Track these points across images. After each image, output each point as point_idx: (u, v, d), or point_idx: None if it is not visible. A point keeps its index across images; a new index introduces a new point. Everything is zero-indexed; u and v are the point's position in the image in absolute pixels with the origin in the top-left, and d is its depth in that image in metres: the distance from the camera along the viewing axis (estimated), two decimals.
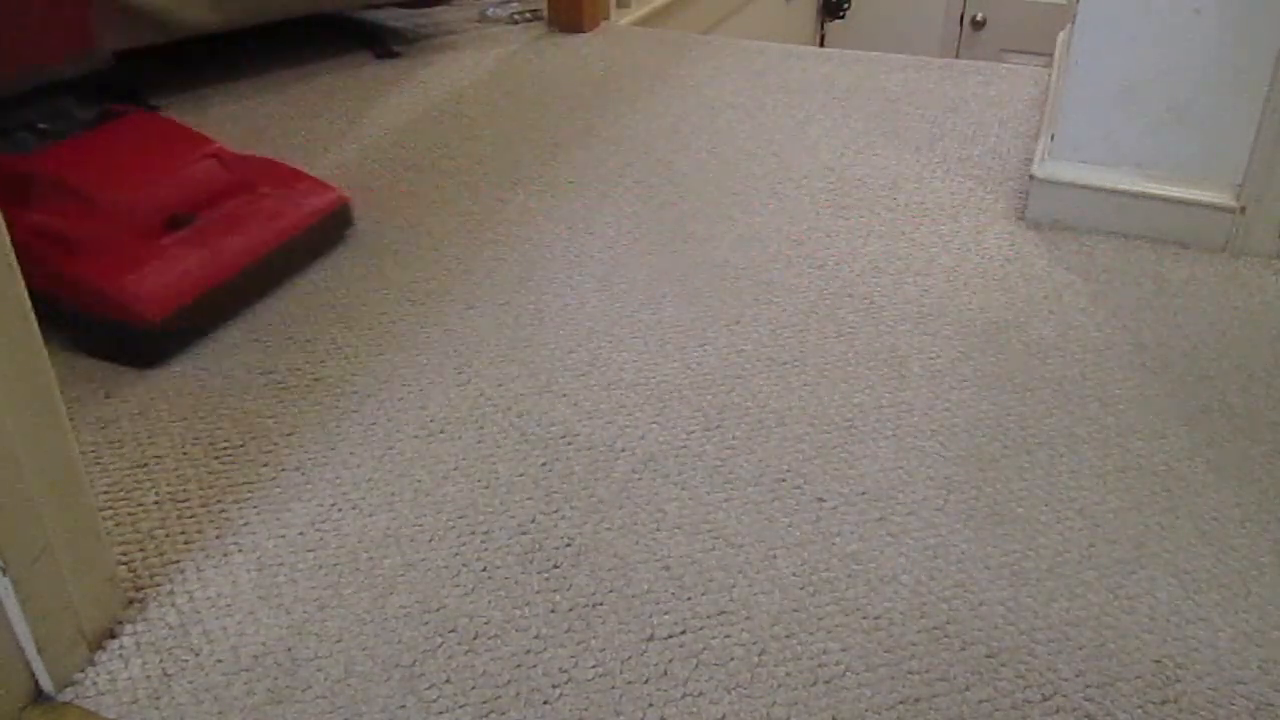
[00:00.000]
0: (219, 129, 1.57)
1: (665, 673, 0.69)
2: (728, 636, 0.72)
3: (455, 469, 0.88)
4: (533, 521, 0.82)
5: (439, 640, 0.72)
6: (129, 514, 0.83)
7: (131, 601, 0.75)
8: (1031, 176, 1.27)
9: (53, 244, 1.01)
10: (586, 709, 0.67)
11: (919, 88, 1.72)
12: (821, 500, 0.84)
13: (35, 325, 0.64)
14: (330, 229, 1.19)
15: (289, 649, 0.71)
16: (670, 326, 1.07)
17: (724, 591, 0.75)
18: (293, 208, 1.15)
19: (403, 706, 0.67)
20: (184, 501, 0.84)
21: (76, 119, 1.14)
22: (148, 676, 0.70)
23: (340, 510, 0.83)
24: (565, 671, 0.70)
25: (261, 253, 1.09)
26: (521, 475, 0.87)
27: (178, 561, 0.79)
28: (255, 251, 1.09)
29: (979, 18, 3.35)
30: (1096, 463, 0.88)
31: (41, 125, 1.11)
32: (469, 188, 1.38)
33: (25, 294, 0.63)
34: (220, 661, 0.70)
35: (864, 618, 0.73)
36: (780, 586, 0.76)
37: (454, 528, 0.81)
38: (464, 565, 0.78)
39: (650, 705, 0.67)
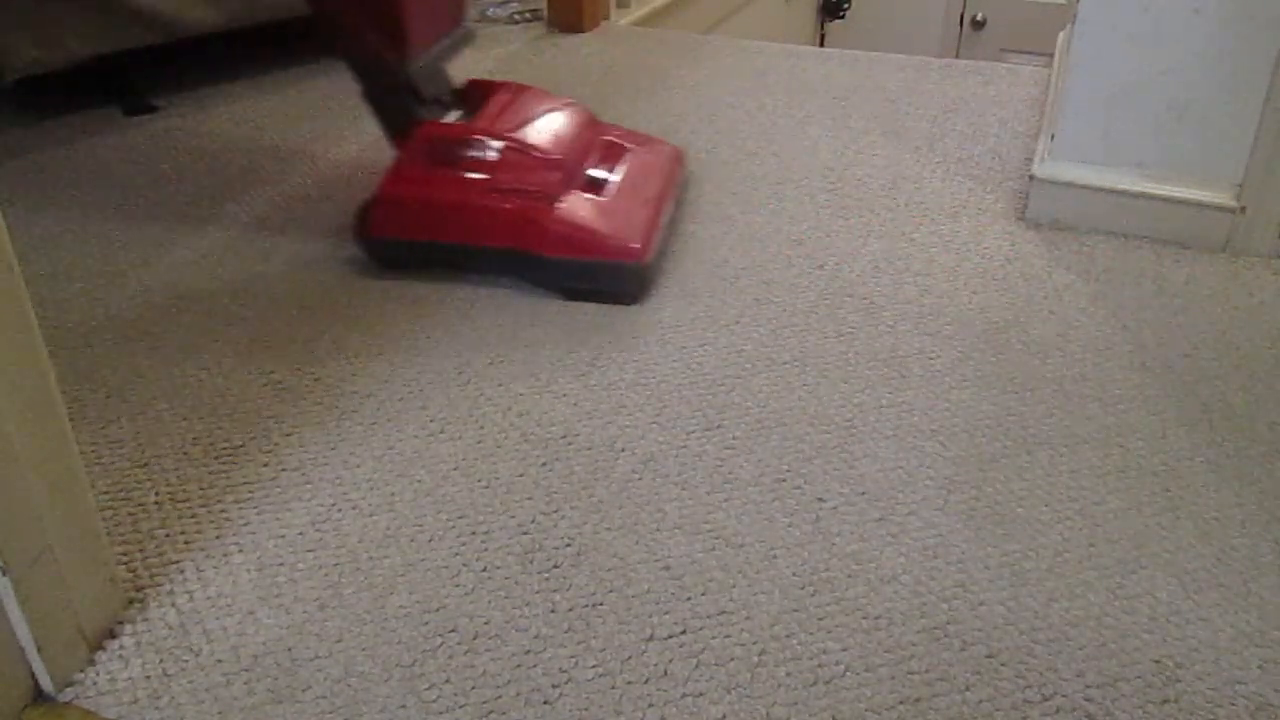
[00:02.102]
0: (219, 129, 1.57)
1: (665, 673, 0.69)
2: (728, 636, 0.72)
3: (455, 469, 0.88)
4: (533, 521, 0.82)
5: (439, 640, 0.72)
6: (129, 514, 0.83)
7: (131, 601, 0.75)
8: (1031, 176, 1.27)
9: (535, 202, 1.11)
10: (586, 709, 0.67)
11: (919, 88, 1.72)
12: (821, 500, 0.84)
13: (35, 325, 0.64)
14: (684, 179, 1.35)
15: (289, 649, 0.71)
16: (670, 326, 1.07)
17: (724, 591, 0.75)
18: (665, 162, 1.28)
19: (403, 706, 0.67)
20: (184, 501, 0.84)
21: (450, 89, 1.24)
22: (148, 676, 0.70)
23: (340, 510, 0.83)
24: (565, 671, 0.70)
25: (672, 198, 1.24)
26: (521, 475, 0.87)
27: (178, 561, 0.79)
28: (670, 197, 1.23)
29: (979, 18, 3.35)
30: (1096, 463, 0.88)
31: (442, 96, 1.20)
32: None
33: (25, 294, 0.63)
34: (220, 661, 0.70)
35: (864, 618, 0.73)
36: (780, 586, 0.76)
37: (454, 528, 0.81)
38: (464, 565, 0.78)
39: (650, 705, 0.67)
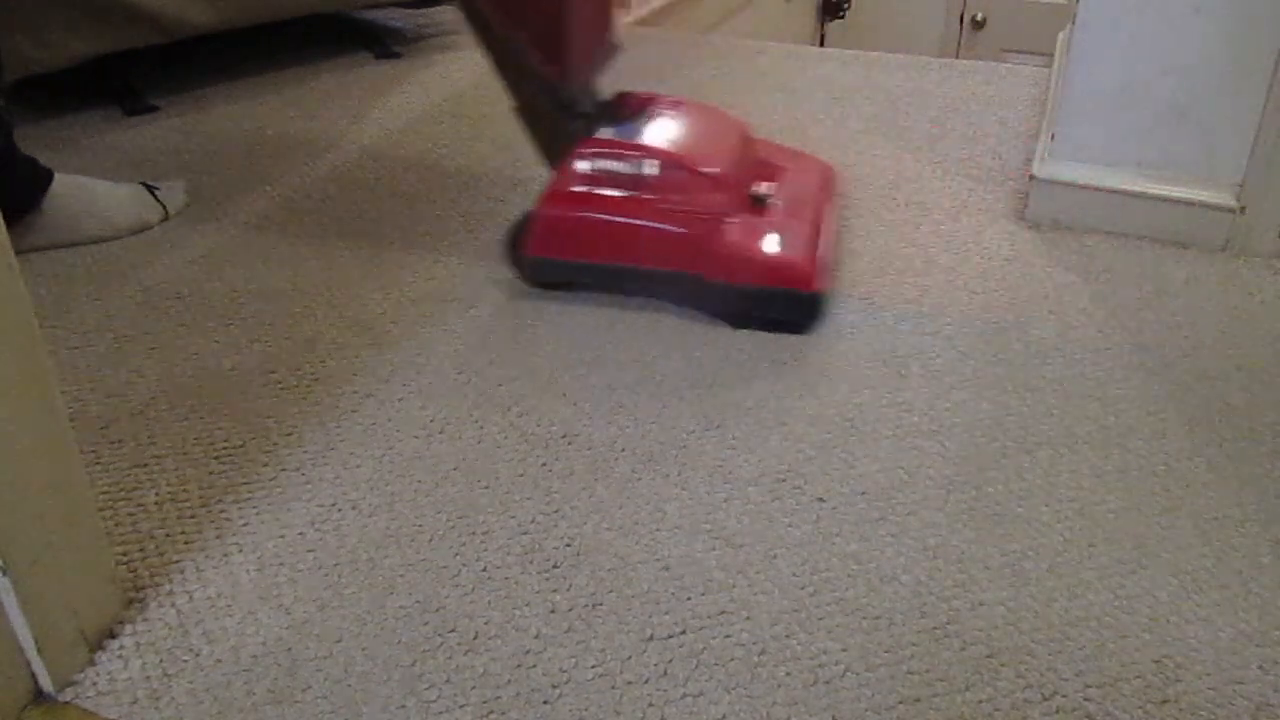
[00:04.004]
0: (219, 129, 1.57)
1: (665, 673, 0.69)
2: (728, 636, 0.72)
3: (455, 469, 0.88)
4: (533, 521, 0.82)
5: (439, 640, 0.72)
6: (129, 514, 0.83)
7: (131, 601, 0.75)
8: (1031, 176, 1.27)
9: (697, 223, 1.06)
10: (586, 709, 0.67)
11: (919, 88, 1.72)
12: (821, 500, 0.84)
13: (36, 325, 0.64)
14: (839, 198, 1.30)
15: (289, 649, 0.71)
16: (670, 326, 1.07)
17: (724, 591, 0.75)
18: (822, 180, 1.24)
19: (403, 706, 0.67)
20: (184, 501, 0.84)
21: (601, 105, 1.18)
22: (148, 676, 0.69)
23: (340, 510, 0.83)
24: (565, 671, 0.69)
25: (834, 221, 1.20)
26: (521, 475, 0.87)
27: (178, 561, 0.79)
28: (833, 220, 1.19)
29: (979, 18, 3.35)
30: (1096, 463, 0.88)
31: (590, 111, 1.14)
32: (469, 188, 1.38)
33: (25, 294, 0.63)
34: (220, 661, 0.70)
35: (864, 618, 0.73)
36: (780, 586, 0.76)
37: (454, 528, 0.81)
38: (464, 565, 0.78)
39: (650, 705, 0.67)
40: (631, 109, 1.17)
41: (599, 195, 1.08)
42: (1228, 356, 1.02)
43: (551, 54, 1.08)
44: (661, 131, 1.12)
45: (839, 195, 1.27)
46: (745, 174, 1.14)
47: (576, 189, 1.08)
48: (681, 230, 1.06)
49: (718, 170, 1.09)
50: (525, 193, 1.35)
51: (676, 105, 1.19)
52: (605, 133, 1.10)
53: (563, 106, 1.10)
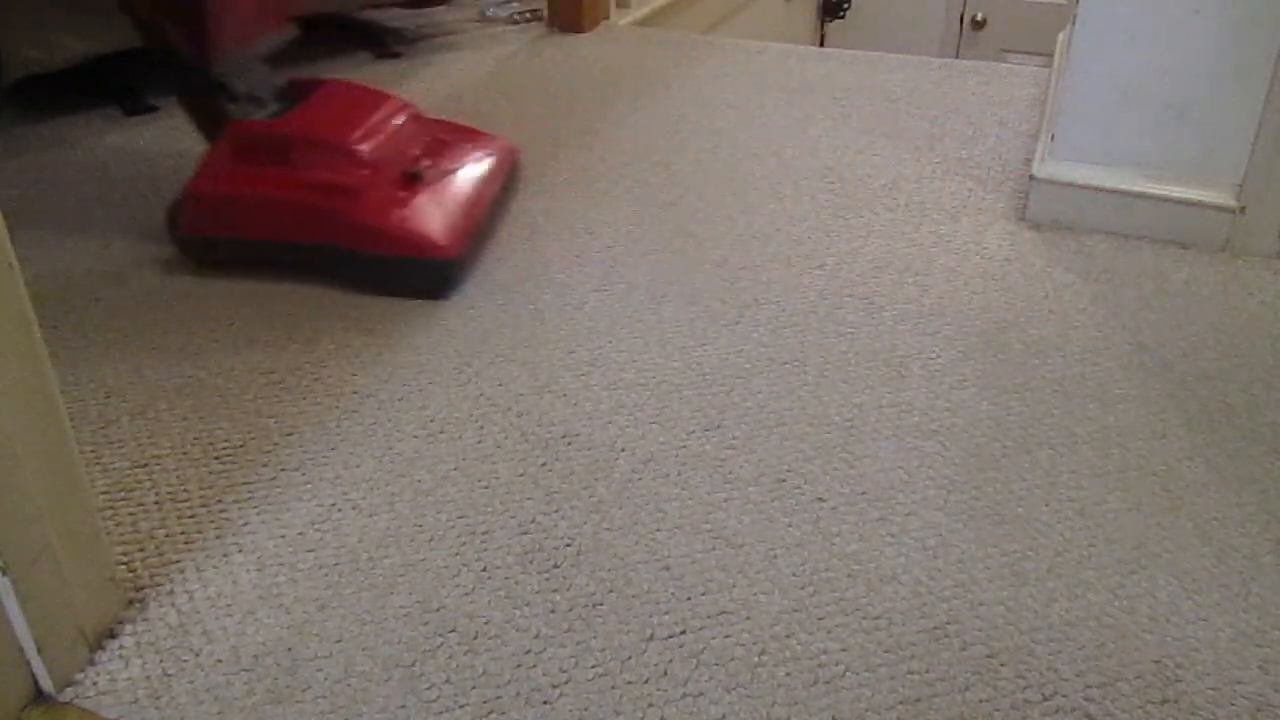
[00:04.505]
0: None
1: (665, 673, 0.69)
2: (728, 636, 0.72)
3: (455, 469, 0.88)
4: (533, 521, 0.82)
5: (439, 640, 0.72)
6: (129, 514, 0.83)
7: (131, 601, 0.75)
8: (1031, 176, 1.27)
9: (339, 197, 1.11)
10: (586, 709, 0.67)
11: (919, 88, 1.72)
12: (821, 500, 0.84)
13: (35, 325, 0.64)
14: (517, 175, 1.36)
15: (289, 649, 0.71)
16: (670, 326, 1.07)
17: (724, 591, 0.75)
18: (493, 157, 1.28)
19: (403, 706, 0.67)
20: (184, 501, 0.84)
21: (275, 88, 1.24)
22: (148, 676, 0.70)
23: (340, 510, 0.83)
24: (565, 671, 0.70)
25: (494, 194, 1.25)
26: (521, 475, 0.87)
27: (178, 561, 0.79)
28: (492, 194, 1.24)
29: (979, 18, 3.35)
30: (1096, 463, 0.88)
31: (257, 94, 1.20)
32: None
33: (25, 294, 0.63)
34: (220, 661, 0.70)
35: (864, 618, 0.73)
36: (780, 586, 0.76)
37: (454, 528, 0.81)
38: (464, 565, 0.78)
39: (650, 705, 0.67)
40: (296, 92, 1.23)
41: (244, 173, 1.13)
42: (1228, 356, 1.02)
43: (197, 38, 1.14)
44: (312, 112, 1.18)
45: (509, 173, 1.31)
46: (399, 151, 1.19)
47: (224, 168, 1.14)
48: (321, 204, 1.11)
49: (360, 147, 1.14)
50: (525, 192, 1.35)
51: (344, 89, 1.26)
52: (264, 114, 1.16)
53: (213, 89, 1.15)
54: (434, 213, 1.13)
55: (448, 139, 1.27)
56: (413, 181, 1.15)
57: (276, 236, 1.13)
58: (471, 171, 1.22)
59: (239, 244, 1.15)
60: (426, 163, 1.19)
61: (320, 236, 1.11)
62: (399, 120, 1.23)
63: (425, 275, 1.11)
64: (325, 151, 1.13)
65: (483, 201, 1.21)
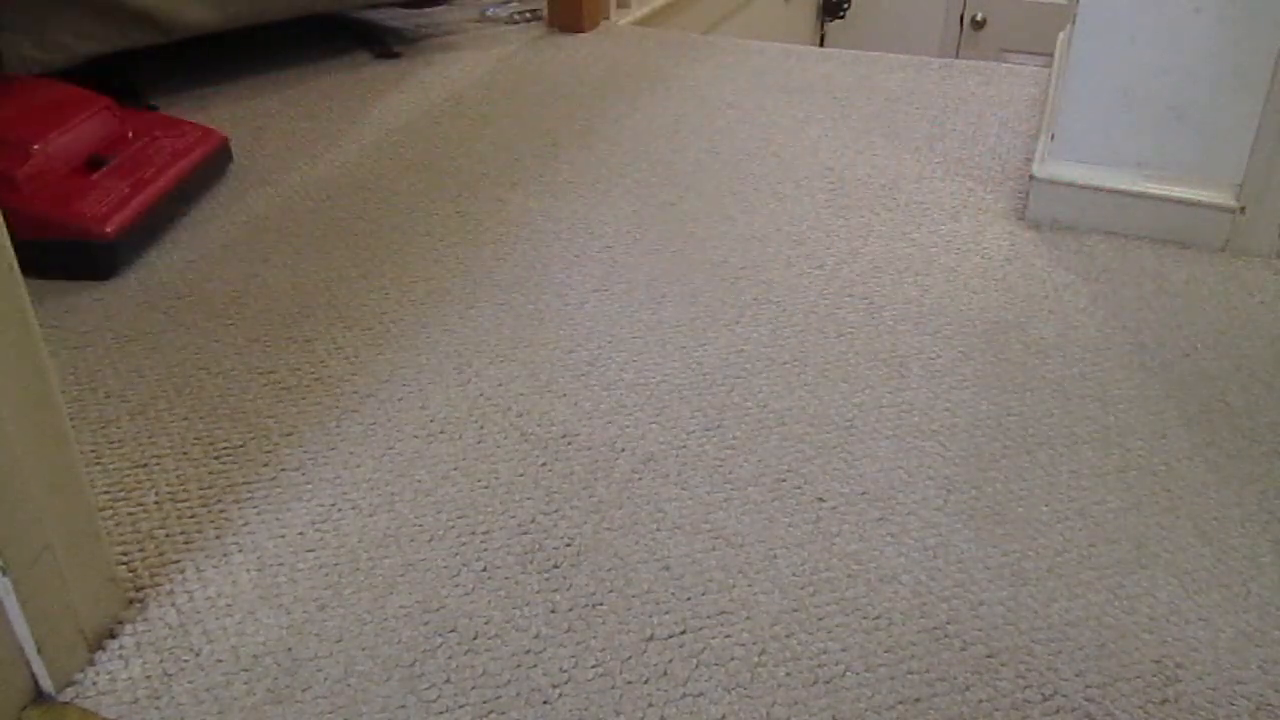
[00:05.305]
0: (219, 128, 1.57)
1: (665, 673, 0.69)
2: (728, 636, 0.72)
3: (455, 469, 0.88)
4: (533, 521, 0.82)
5: (439, 640, 0.72)
6: (129, 514, 0.83)
7: (131, 601, 0.75)
8: (1031, 176, 1.27)
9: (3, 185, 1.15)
10: (586, 709, 0.67)
11: (919, 88, 1.72)
12: (821, 500, 0.84)
13: (36, 325, 0.64)
14: (218, 163, 1.41)
15: (289, 649, 0.71)
16: (670, 326, 1.07)
17: (724, 591, 0.75)
18: (187, 145, 1.35)
19: (403, 706, 0.67)
20: (184, 501, 0.84)
21: None
22: (148, 676, 0.69)
23: (340, 510, 0.83)
24: (565, 671, 0.70)
25: (175, 180, 1.29)
26: (521, 475, 0.87)
27: (178, 561, 0.79)
28: (172, 180, 1.28)
29: (979, 18, 3.35)
30: (1096, 463, 0.88)
31: None
32: (469, 188, 1.38)
33: (25, 295, 0.63)
34: (220, 661, 0.70)
35: (864, 618, 0.73)
36: (780, 586, 0.76)
37: (454, 528, 0.81)
38: (464, 565, 0.78)
39: (650, 705, 0.67)
40: None
41: None
42: (1228, 356, 1.02)
43: None
44: None
45: (206, 160, 1.36)
46: (78, 142, 1.24)
47: None
48: None
49: (20, 136, 1.18)
50: (525, 192, 1.35)
51: (30, 84, 1.34)
52: None
53: None
54: (101, 195, 1.18)
55: (139, 129, 1.32)
56: (95, 168, 1.21)
57: None
58: (158, 158, 1.28)
59: None
60: (112, 152, 1.25)
61: None
62: (82, 112, 1.27)
63: (82, 256, 1.15)
64: None
65: (160, 186, 1.25)
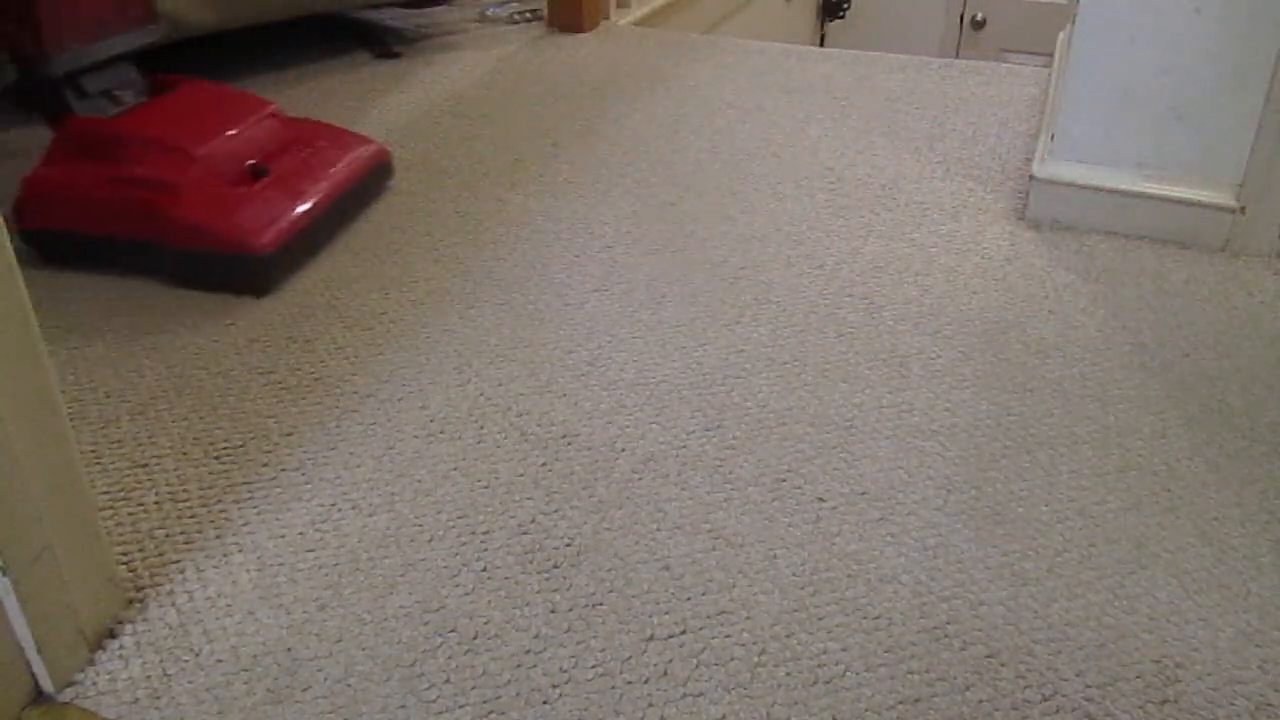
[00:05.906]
0: None
1: (665, 673, 0.69)
2: (728, 636, 0.72)
3: (455, 469, 0.88)
4: (533, 521, 0.82)
5: (439, 640, 0.72)
6: (129, 514, 0.83)
7: (131, 601, 0.75)
8: (1031, 176, 1.27)
9: (157, 192, 1.12)
10: (586, 709, 0.67)
11: (919, 88, 1.72)
12: (821, 500, 0.84)
13: (35, 326, 0.64)
14: (379, 177, 1.35)
15: (289, 649, 0.71)
16: (670, 326, 1.07)
17: (724, 591, 0.75)
18: (350, 157, 1.29)
19: (403, 706, 0.67)
20: (184, 501, 0.84)
21: (141, 86, 1.25)
22: (148, 676, 0.70)
23: (340, 510, 0.83)
24: (565, 671, 0.70)
25: (336, 194, 1.24)
26: (521, 475, 0.87)
27: (178, 561, 0.79)
28: (332, 193, 1.23)
29: (979, 18, 3.35)
30: (1096, 463, 0.88)
31: (116, 92, 1.21)
32: (469, 188, 1.38)
33: (25, 294, 0.63)
34: (220, 661, 0.70)
35: (864, 618, 0.73)
36: (780, 586, 0.76)
37: (454, 528, 0.81)
38: (464, 565, 0.78)
39: (650, 705, 0.67)
40: (157, 90, 1.25)
41: (77, 168, 1.15)
42: (1228, 356, 1.02)
43: (25, 30, 1.13)
44: (154, 111, 1.20)
45: (370, 173, 1.32)
46: (240, 150, 1.20)
47: (60, 163, 1.15)
48: (136, 198, 1.12)
49: (185, 144, 1.15)
50: (525, 192, 1.35)
51: (196, 88, 1.27)
52: (112, 111, 1.18)
53: (52, 83, 1.15)
54: (260, 209, 1.14)
55: (304, 139, 1.28)
56: (256, 177, 1.17)
57: (102, 231, 1.14)
58: (320, 171, 1.24)
59: (73, 238, 1.16)
60: (273, 162, 1.20)
61: (138, 232, 1.12)
62: (248, 119, 1.24)
63: (233, 270, 1.12)
64: (151, 148, 1.14)
65: (323, 197, 1.21)
